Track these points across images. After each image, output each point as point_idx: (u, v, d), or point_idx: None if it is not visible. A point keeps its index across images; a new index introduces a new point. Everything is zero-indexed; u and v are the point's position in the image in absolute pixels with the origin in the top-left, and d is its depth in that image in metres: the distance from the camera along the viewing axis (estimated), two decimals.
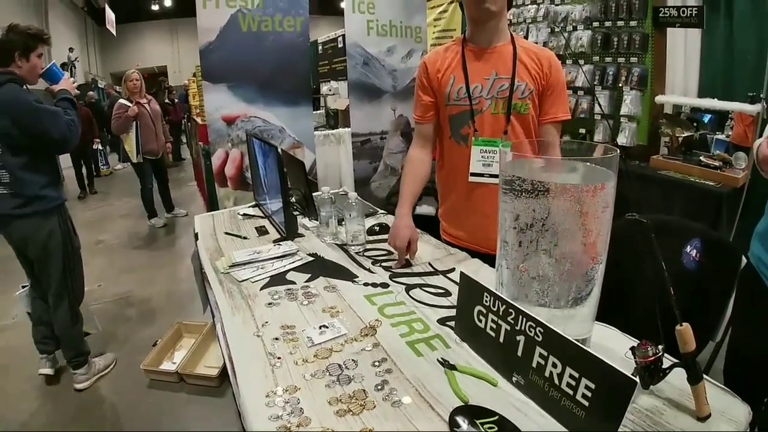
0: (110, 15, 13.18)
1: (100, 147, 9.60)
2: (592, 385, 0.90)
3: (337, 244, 2.02)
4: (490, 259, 1.75)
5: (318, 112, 6.34)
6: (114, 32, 13.90)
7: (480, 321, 1.18)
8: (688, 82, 3.81)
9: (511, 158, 1.15)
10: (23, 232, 2.63)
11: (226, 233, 2.25)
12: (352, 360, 1.20)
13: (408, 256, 1.80)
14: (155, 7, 18.72)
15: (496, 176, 1.73)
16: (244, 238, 2.19)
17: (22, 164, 2.53)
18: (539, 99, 1.77)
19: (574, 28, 4.11)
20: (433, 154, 1.97)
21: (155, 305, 4.03)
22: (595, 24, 3.97)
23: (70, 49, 13.97)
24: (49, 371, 2.96)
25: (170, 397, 2.82)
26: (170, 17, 19.12)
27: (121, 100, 5.61)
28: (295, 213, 2.33)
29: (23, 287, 2.96)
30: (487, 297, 1.15)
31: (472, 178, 1.82)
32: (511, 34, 1.79)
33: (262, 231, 2.26)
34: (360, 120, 4.34)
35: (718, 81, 3.65)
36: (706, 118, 3.58)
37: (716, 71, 3.67)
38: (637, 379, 0.88)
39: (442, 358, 1.18)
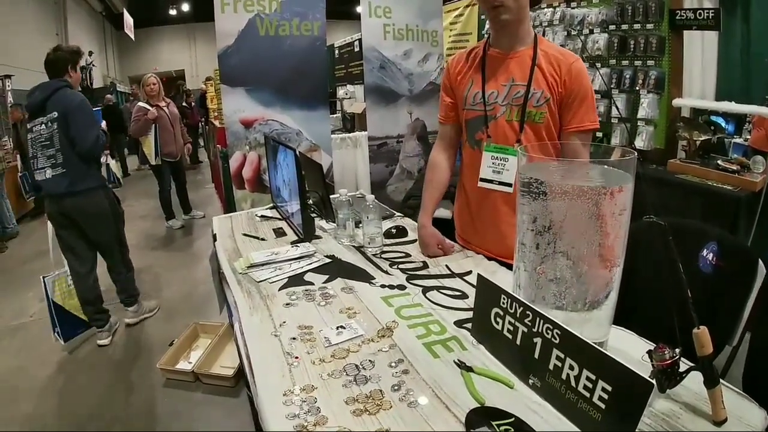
0: (128, 19, 13.33)
1: (110, 161, 7.96)
2: (609, 388, 0.90)
3: (354, 246, 2.03)
4: (502, 265, 1.76)
5: (335, 115, 6.36)
6: (132, 36, 14.06)
7: (497, 323, 1.19)
8: (706, 85, 3.79)
9: (528, 161, 1.16)
10: (78, 207, 3.19)
11: (244, 234, 2.27)
12: (369, 360, 1.21)
13: (447, 254, 1.91)
14: (173, 12, 18.92)
15: (506, 184, 1.72)
16: (262, 239, 2.21)
17: (73, 148, 3.11)
18: (560, 107, 1.69)
19: (591, 32, 4.10)
20: (456, 154, 1.98)
21: (172, 305, 4.08)
22: (612, 27, 3.96)
23: (90, 53, 14.15)
24: (106, 342, 3.47)
25: (186, 396, 2.85)
26: (188, 22, 19.32)
27: (140, 104, 5.67)
28: (313, 215, 2.35)
29: (44, 277, 3.28)
30: (504, 299, 1.16)
31: (481, 184, 1.81)
32: (536, 37, 1.73)
33: (279, 233, 2.28)
34: (376, 123, 4.35)
35: (735, 84, 3.63)
36: (724, 121, 3.55)
37: (734, 74, 3.65)
38: (654, 383, 0.88)
39: (458, 360, 1.19)
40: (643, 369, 0.93)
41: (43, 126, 3.08)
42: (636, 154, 1.05)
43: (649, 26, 3.71)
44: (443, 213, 2.22)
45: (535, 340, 1.07)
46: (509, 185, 1.74)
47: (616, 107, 3.94)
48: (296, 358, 1.24)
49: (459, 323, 1.38)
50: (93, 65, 14.26)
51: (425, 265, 1.80)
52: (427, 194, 1.96)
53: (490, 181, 1.79)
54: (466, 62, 1.84)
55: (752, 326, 1.61)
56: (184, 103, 10.11)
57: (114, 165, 7.15)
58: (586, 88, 1.68)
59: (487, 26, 2.73)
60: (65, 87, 3.12)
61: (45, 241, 3.31)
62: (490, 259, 1.85)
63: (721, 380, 0.98)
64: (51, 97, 3.06)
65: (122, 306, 3.76)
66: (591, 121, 1.69)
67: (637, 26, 3.79)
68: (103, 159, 5.48)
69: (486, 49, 1.79)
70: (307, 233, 2.14)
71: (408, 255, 1.91)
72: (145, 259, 5.25)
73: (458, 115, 1.89)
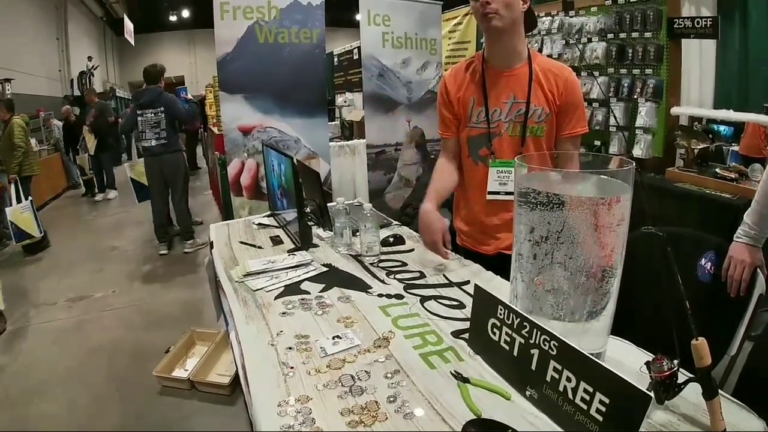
0: (129, 25, 13.36)
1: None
2: (607, 400, 0.90)
3: (351, 255, 2.02)
4: (500, 260, 1.76)
5: (333, 123, 6.37)
6: (132, 42, 14.09)
7: (494, 334, 1.18)
8: (704, 93, 3.79)
9: (526, 171, 1.15)
10: (167, 161, 5.19)
11: (241, 242, 2.26)
12: (365, 371, 1.20)
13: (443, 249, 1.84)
14: (173, 18, 18.96)
15: (511, 194, 1.77)
16: (259, 247, 2.20)
17: (170, 128, 5.13)
18: (558, 117, 1.80)
19: (589, 40, 4.11)
20: (460, 166, 2.02)
21: (168, 312, 4.06)
22: (610, 36, 3.97)
23: (89, 58, 14.16)
24: (165, 251, 5.51)
25: (181, 404, 2.83)
26: (188, 28, 19.37)
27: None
28: (310, 223, 2.34)
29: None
30: (501, 310, 1.15)
31: (489, 197, 1.88)
32: (529, 53, 1.80)
33: (276, 241, 2.27)
34: (375, 131, 4.36)
35: (733, 92, 3.63)
36: (722, 129, 3.55)
37: (731, 82, 3.65)
38: (652, 394, 0.87)
39: (455, 371, 1.18)
40: (642, 380, 0.92)
41: (152, 114, 5.02)
42: (634, 163, 1.04)
43: (648, 35, 3.71)
44: None
45: (532, 351, 1.06)
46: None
47: (614, 116, 3.94)
48: (291, 368, 1.23)
49: (456, 333, 1.37)
50: (94, 69, 14.27)
51: (422, 275, 1.79)
52: (432, 185, 1.94)
53: (497, 193, 1.87)
54: (464, 79, 1.89)
55: (756, 337, 1.61)
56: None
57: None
58: (579, 98, 1.81)
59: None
60: (164, 91, 5.12)
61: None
62: (484, 258, 1.91)
63: (720, 391, 0.97)
64: (158, 97, 5.02)
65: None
66: (582, 126, 1.82)
67: (635, 35, 3.80)
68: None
69: (483, 66, 1.84)
70: (304, 242, 2.13)
71: (405, 264, 1.90)
72: (142, 265, 5.26)
73: (458, 129, 1.94)
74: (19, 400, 2.93)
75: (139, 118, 5.09)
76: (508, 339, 1.13)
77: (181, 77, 19.24)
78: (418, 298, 1.61)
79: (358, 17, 4.25)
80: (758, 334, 1.64)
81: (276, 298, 1.65)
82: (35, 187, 6.94)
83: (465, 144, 1.92)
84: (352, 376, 1.18)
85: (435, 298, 1.60)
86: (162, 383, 2.96)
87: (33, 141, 8.59)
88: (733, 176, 3.15)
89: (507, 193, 1.84)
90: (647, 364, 1.01)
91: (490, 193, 1.88)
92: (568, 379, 0.97)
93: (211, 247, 2.27)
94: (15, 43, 10.00)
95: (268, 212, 2.71)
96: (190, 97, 6.32)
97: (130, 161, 6.31)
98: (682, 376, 1.00)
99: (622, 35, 3.88)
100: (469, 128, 1.88)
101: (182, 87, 6.76)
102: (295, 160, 2.13)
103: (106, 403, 2.86)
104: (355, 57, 6.80)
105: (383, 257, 1.96)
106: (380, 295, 1.64)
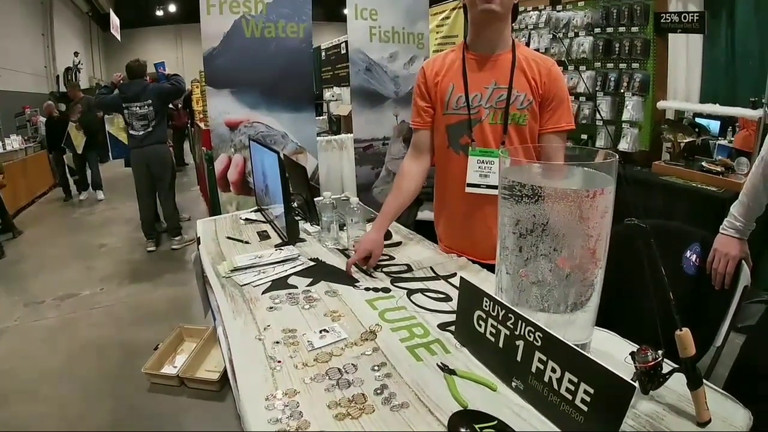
0: (115, 20, 13.26)
1: None
2: (591, 390, 0.90)
3: (338, 249, 2.02)
4: (488, 269, 1.74)
5: (321, 117, 6.35)
6: (118, 37, 13.98)
7: (480, 326, 1.18)
8: (690, 87, 3.82)
9: (510, 164, 1.16)
10: (155, 154, 5.19)
11: (228, 238, 2.25)
12: (352, 364, 1.20)
13: (364, 267, 1.81)
14: (160, 13, 18.84)
15: (492, 187, 1.69)
16: (246, 242, 2.19)
17: (159, 119, 5.17)
18: (540, 109, 1.73)
19: (576, 35, 4.13)
20: (429, 162, 1.92)
21: (157, 309, 4.04)
22: (597, 30, 3.99)
23: (75, 53, 14.03)
24: (153, 248, 5.49)
25: (171, 400, 2.82)
26: (175, 23, 19.23)
27: None
28: (297, 218, 2.33)
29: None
30: (486, 302, 1.16)
31: (468, 189, 1.78)
32: (513, 42, 1.75)
33: (263, 236, 2.26)
34: (362, 126, 4.35)
35: (720, 86, 3.66)
36: (709, 123, 3.58)
37: (718, 77, 3.68)
38: (637, 384, 0.88)
39: (441, 363, 1.18)
40: (626, 371, 0.92)
41: (138, 107, 5.03)
42: (617, 156, 1.05)
43: (634, 29, 3.74)
44: (428, 215, 2.21)
45: (517, 342, 1.06)
46: (496, 187, 1.72)
47: (598, 111, 3.96)
48: (279, 362, 1.22)
49: (442, 326, 1.37)
50: (81, 65, 14.13)
51: (410, 268, 1.80)
52: (387, 204, 1.89)
53: (477, 186, 1.77)
54: (443, 65, 1.81)
55: (748, 330, 1.62)
56: (170, 105, 9.95)
57: None
58: (564, 91, 1.74)
59: None
60: (149, 83, 5.23)
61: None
62: (476, 263, 1.83)
63: (705, 381, 0.98)
64: (144, 90, 5.06)
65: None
66: (567, 122, 1.74)
67: (622, 29, 3.82)
68: None
69: (464, 52, 1.78)
70: (291, 236, 2.12)
71: (392, 258, 1.90)
72: (130, 262, 5.23)
73: (433, 121, 1.86)
74: (9, 399, 2.90)
75: (126, 111, 5.09)
76: (494, 331, 1.14)
77: None
78: (405, 291, 1.61)
79: (345, 11, 4.23)
80: (750, 326, 1.66)
81: (263, 293, 1.64)
82: (17, 187, 6.91)
83: (444, 133, 1.82)
84: (339, 370, 1.18)
85: (422, 291, 1.61)
86: (151, 380, 2.95)
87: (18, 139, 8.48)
88: (719, 170, 3.17)
89: (488, 187, 1.75)
90: (632, 354, 1.01)
91: (470, 185, 1.78)
92: (553, 370, 0.98)
93: (198, 242, 2.26)
94: (0, 40, 9.89)
95: (255, 207, 2.70)
96: (168, 72, 6.59)
97: (109, 115, 6.80)
98: (667, 366, 1.01)
99: (609, 30, 3.91)
100: (448, 115, 1.79)
101: (160, 62, 7.51)
102: (281, 155, 2.12)
103: (96, 401, 2.84)
104: (343, 51, 6.80)
105: None
106: (367, 289, 1.64)
